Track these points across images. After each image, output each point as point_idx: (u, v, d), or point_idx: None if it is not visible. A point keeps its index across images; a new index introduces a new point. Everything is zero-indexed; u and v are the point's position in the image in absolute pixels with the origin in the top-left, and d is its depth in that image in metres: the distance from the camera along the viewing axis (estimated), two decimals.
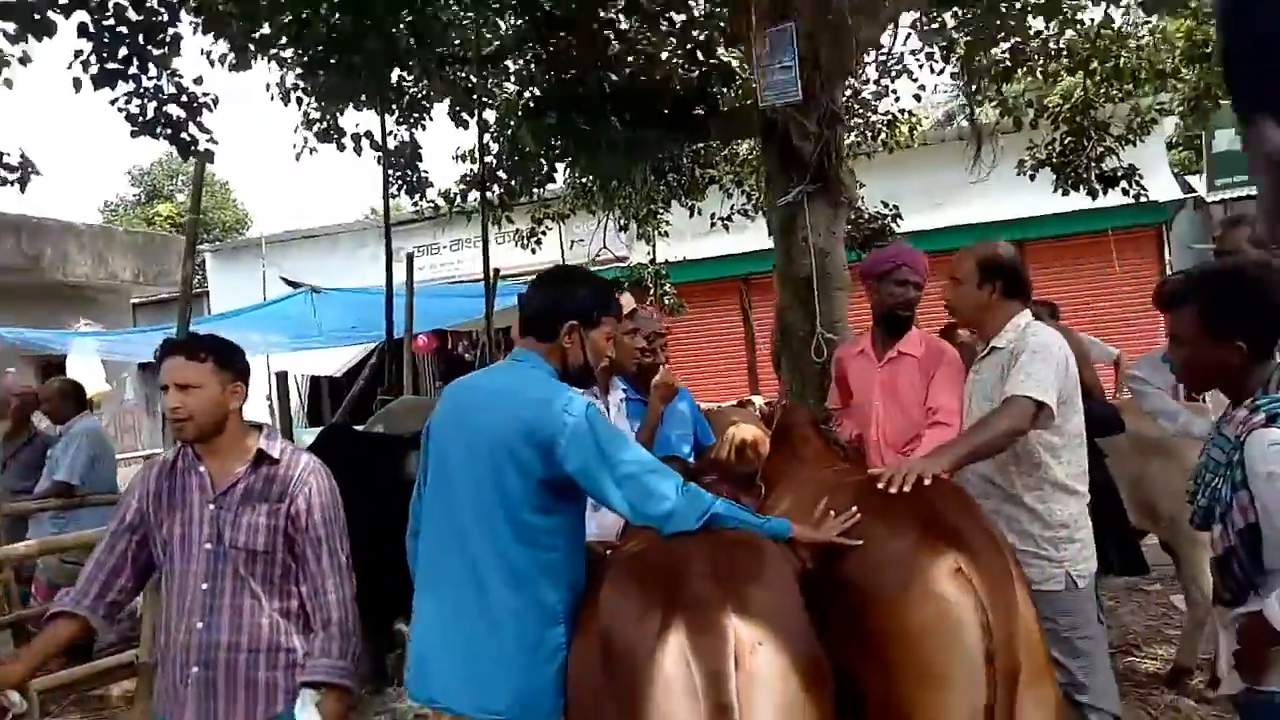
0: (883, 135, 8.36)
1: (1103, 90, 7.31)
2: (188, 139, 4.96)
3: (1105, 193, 7.62)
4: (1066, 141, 7.61)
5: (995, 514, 2.77)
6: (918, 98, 7.86)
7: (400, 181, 7.14)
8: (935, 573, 2.07)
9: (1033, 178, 7.86)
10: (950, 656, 2.02)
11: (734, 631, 1.81)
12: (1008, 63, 6.99)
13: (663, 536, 2.13)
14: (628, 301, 3.36)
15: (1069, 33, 6.79)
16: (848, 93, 6.45)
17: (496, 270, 8.20)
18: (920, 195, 10.57)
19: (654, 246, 9.95)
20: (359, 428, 5.45)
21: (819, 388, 4.57)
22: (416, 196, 7.29)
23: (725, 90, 5.38)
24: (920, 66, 7.33)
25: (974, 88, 6.57)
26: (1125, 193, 7.56)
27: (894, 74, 7.52)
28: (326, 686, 2.38)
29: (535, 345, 2.34)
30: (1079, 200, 8.00)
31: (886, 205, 8.30)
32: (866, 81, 7.61)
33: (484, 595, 2.13)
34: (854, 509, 2.29)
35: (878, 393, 3.38)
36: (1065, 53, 6.96)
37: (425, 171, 7.13)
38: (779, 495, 2.91)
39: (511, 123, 6.55)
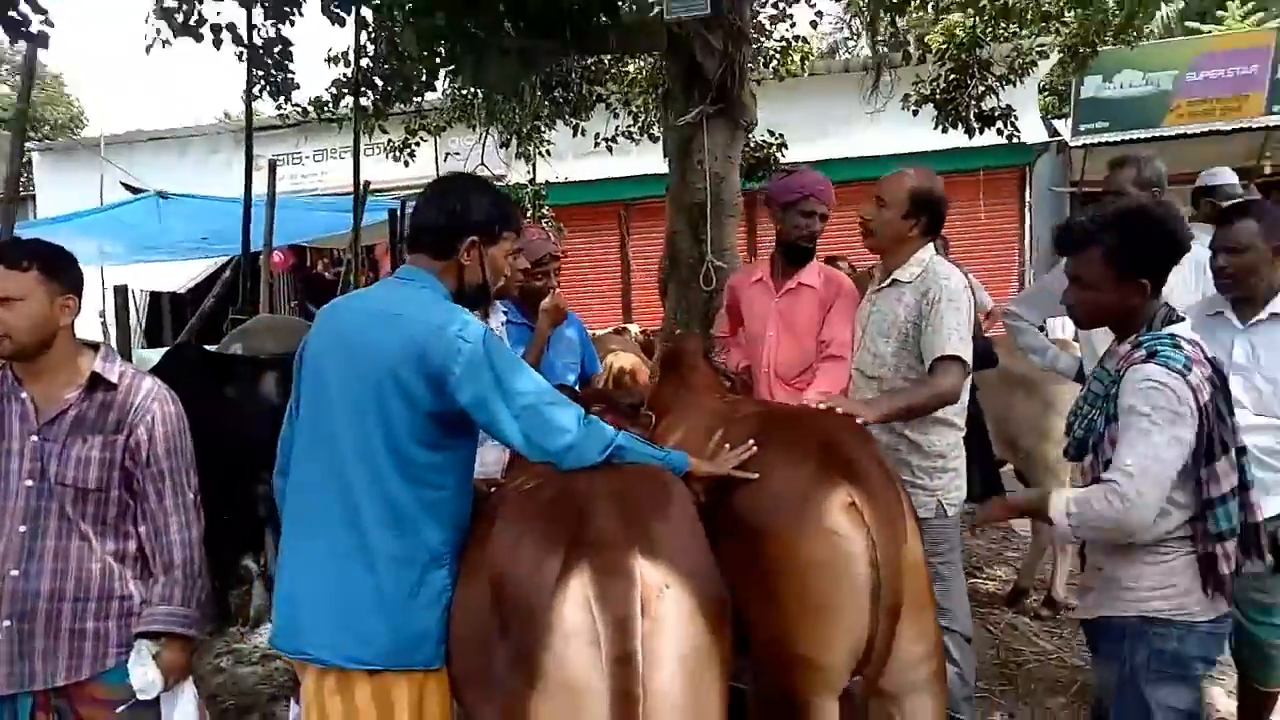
0: (774, 62, 8.22)
1: (989, 29, 7.38)
2: (18, 18, 4.30)
3: (982, 131, 7.76)
4: (951, 79, 7.67)
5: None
6: (814, 24, 7.73)
7: (264, 82, 6.50)
8: (828, 506, 2.04)
9: (916, 113, 7.92)
10: (838, 590, 2.02)
11: (641, 574, 1.70)
12: None
13: (559, 472, 1.98)
14: None
15: None
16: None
17: (366, 183, 7.72)
18: (802, 126, 10.55)
19: (534, 166, 9.58)
20: (211, 348, 5.03)
21: (705, 316, 4.49)
22: (282, 99, 6.66)
23: (628, 1, 5.07)
24: None
25: (873, 18, 6.48)
26: (1000, 133, 7.73)
27: None
28: (166, 636, 2.16)
29: (428, 263, 2.10)
30: (954, 138, 8.13)
31: (772, 134, 8.22)
32: (764, 4, 7.42)
33: (362, 537, 1.93)
34: (750, 442, 2.22)
35: (773, 323, 3.30)
36: None
37: (293, 73, 6.52)
38: (669, 426, 2.81)
39: (393, 22, 6.04)
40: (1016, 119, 7.75)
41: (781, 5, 7.59)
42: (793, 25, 8.08)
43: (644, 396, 3.32)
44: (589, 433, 1.96)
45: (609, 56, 7.91)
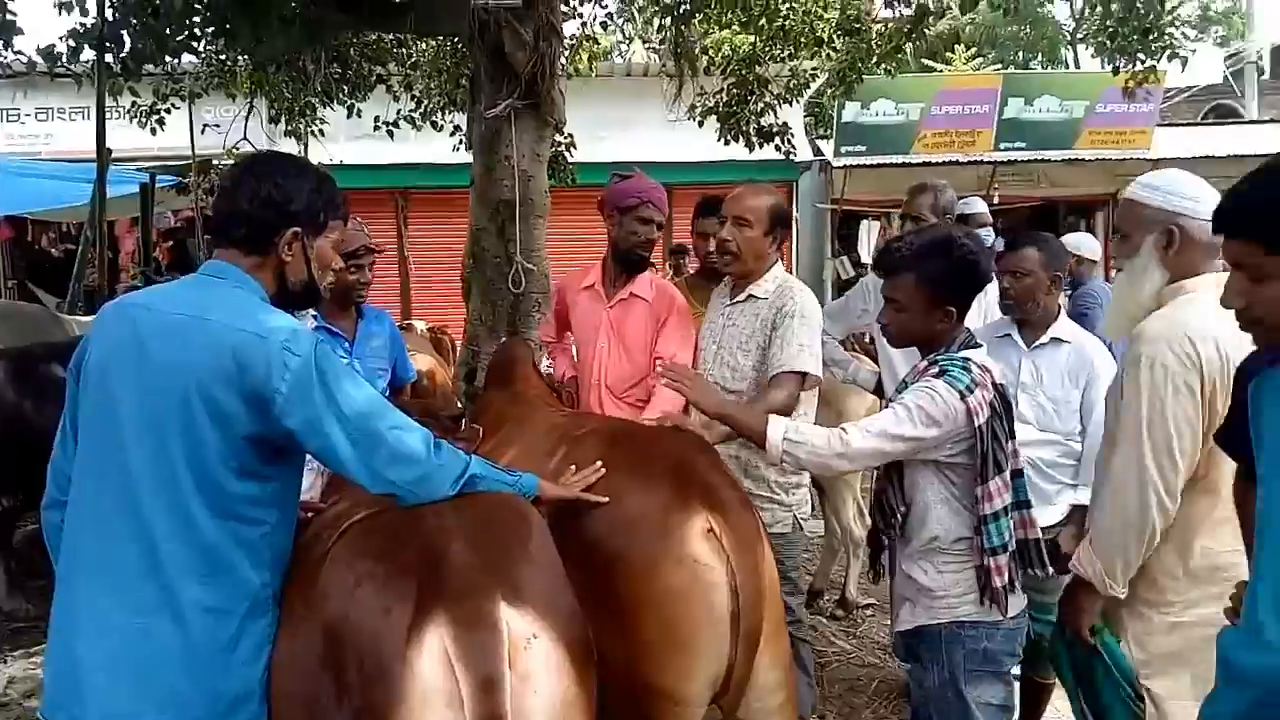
0: (562, 59, 8.10)
1: (767, 49, 7.69)
2: None
3: (762, 146, 8.08)
4: (733, 93, 7.92)
5: (734, 459, 2.82)
6: (605, 25, 7.71)
7: None
8: (687, 533, 1.99)
9: (701, 124, 8.10)
10: (698, 620, 1.96)
11: (506, 624, 1.53)
12: (687, 6, 7.12)
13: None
14: None
15: None
16: None
17: (109, 151, 6.82)
18: (581, 127, 10.52)
19: (305, 145, 8.87)
20: None
21: (511, 320, 4.32)
22: (1, 45, 5.66)
23: None
24: None
25: (672, 26, 6.57)
26: (778, 149, 8.09)
27: None
28: None
29: (240, 258, 1.79)
30: (731, 151, 8.39)
31: (561, 133, 8.11)
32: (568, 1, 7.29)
33: (165, 584, 1.61)
34: (598, 463, 2.12)
35: (605, 333, 3.20)
36: (740, 4, 7.21)
37: (14, 14, 5.55)
38: (501, 441, 2.64)
39: None
40: (793, 137, 8.14)
41: (574, 3, 7.51)
42: (584, 24, 8.03)
43: (459, 406, 3.12)
44: (441, 462, 1.76)
45: (391, 36, 7.48)
